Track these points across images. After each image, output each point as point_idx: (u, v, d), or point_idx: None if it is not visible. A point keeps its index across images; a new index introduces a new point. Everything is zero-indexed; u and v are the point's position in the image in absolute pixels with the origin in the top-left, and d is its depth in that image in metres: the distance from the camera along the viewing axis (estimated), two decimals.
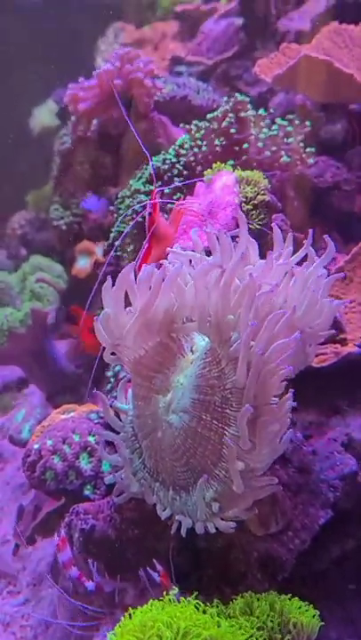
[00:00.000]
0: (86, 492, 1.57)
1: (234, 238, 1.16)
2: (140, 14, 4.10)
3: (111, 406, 1.30)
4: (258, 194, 1.49)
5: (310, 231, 1.18)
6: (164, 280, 1.12)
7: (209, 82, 3.00)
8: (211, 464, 1.10)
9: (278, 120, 1.86)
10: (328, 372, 1.50)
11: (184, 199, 1.57)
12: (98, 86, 2.16)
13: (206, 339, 1.19)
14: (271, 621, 1.02)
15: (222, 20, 3.62)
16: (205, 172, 1.66)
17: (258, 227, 1.45)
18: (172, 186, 1.78)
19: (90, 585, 1.32)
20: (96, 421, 1.73)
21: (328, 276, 1.18)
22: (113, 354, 1.22)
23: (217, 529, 1.11)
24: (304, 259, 1.19)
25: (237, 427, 1.04)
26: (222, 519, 1.09)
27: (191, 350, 1.21)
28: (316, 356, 1.51)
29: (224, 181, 1.56)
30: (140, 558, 1.26)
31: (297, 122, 1.83)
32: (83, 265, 2.95)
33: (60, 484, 1.60)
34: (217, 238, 1.07)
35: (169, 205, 1.75)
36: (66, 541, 1.31)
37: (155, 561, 1.19)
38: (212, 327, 1.07)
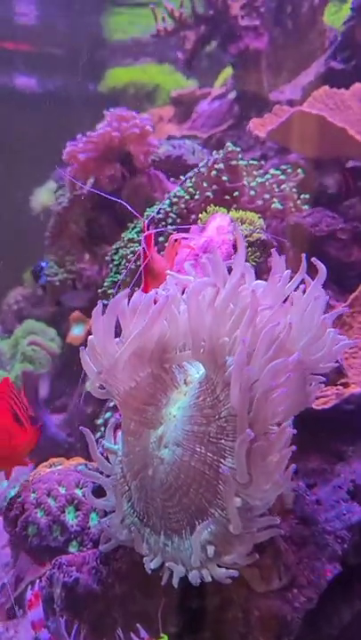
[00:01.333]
0: (72, 550, 1.44)
1: (229, 271, 1.12)
2: (139, 105, 4.29)
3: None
4: (253, 232, 1.47)
5: (303, 256, 1.14)
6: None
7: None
8: (205, 502, 1.00)
9: (271, 170, 1.87)
10: (330, 416, 1.42)
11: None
12: (95, 143, 2.19)
13: (201, 370, 1.12)
14: None
15: (216, 101, 3.78)
16: (200, 216, 1.65)
17: (253, 264, 1.41)
18: (166, 229, 1.76)
19: None
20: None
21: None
22: (101, 387, 1.15)
23: (213, 579, 0.99)
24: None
25: (234, 458, 0.95)
26: (219, 566, 0.97)
27: (185, 382, 1.14)
28: (317, 398, 1.44)
29: (218, 222, 1.54)
30: (127, 619, 1.13)
31: (289, 170, 1.84)
32: (77, 333, 2.94)
33: (42, 540, 1.48)
34: (209, 260, 1.02)
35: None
36: (39, 597, 1.18)
37: (139, 626, 1.06)
38: (205, 353, 1.01)
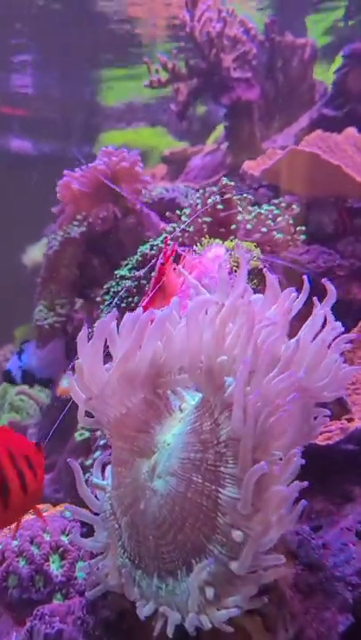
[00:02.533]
0: (55, 603, 1.32)
1: None
2: None
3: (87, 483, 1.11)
4: (250, 260, 1.42)
5: (305, 277, 1.08)
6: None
7: None
8: (203, 538, 0.90)
9: (265, 206, 1.85)
10: (335, 453, 1.33)
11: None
12: (88, 178, 2.18)
13: (197, 396, 1.04)
14: None
15: (208, 155, 3.84)
16: (195, 248, 1.61)
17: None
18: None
19: None
20: (71, 519, 1.51)
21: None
22: (89, 415, 1.06)
23: (213, 626, 0.88)
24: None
25: (235, 486, 0.86)
26: (219, 610, 0.87)
27: (180, 409, 1.05)
28: (321, 434, 1.35)
29: (214, 252, 1.49)
30: None
31: (283, 205, 1.82)
32: (67, 385, 2.86)
33: (24, 592, 1.35)
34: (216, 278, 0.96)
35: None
36: None
37: None
38: (203, 373, 0.93)
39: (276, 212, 1.78)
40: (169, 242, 1.32)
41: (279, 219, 1.71)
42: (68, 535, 1.45)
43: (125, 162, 2.14)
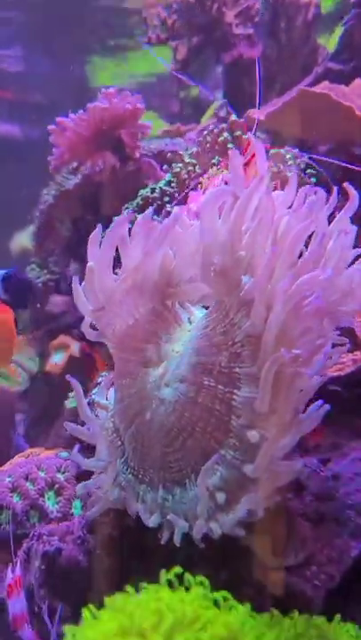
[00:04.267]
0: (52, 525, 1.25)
1: None
2: None
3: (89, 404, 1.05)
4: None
5: (335, 188, 1.02)
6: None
7: None
8: (215, 443, 0.84)
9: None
10: (345, 384, 1.28)
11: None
12: (86, 120, 2.09)
13: (206, 311, 0.98)
14: None
15: (204, 130, 3.75)
16: (201, 179, 1.54)
17: None
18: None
19: None
20: (67, 458, 1.45)
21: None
22: (94, 328, 1.00)
23: (222, 537, 0.83)
24: None
25: (251, 385, 0.80)
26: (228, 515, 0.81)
27: (189, 321, 0.99)
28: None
29: (222, 179, 1.43)
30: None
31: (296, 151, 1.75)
32: (57, 360, 2.79)
33: (18, 527, 1.29)
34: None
35: None
36: (20, 583, 0.99)
37: None
38: (217, 273, 0.87)
39: (288, 155, 1.71)
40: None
41: (290, 161, 1.65)
42: (64, 473, 1.40)
43: (128, 104, 2.06)
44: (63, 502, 1.33)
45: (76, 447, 1.00)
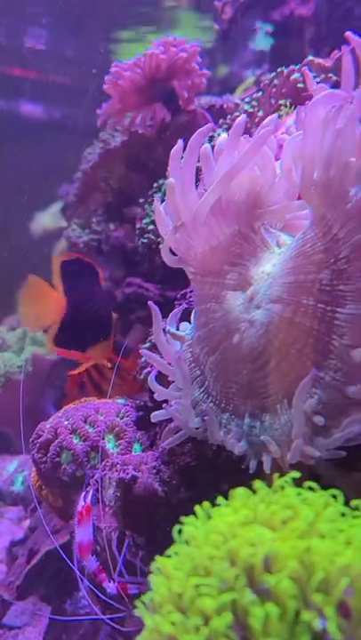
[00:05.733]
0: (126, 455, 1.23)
1: None
2: None
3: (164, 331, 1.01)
4: None
5: None
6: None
7: None
8: (312, 364, 0.80)
9: None
10: None
11: None
12: (141, 68, 2.03)
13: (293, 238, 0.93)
14: None
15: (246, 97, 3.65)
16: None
17: None
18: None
19: (110, 587, 0.96)
20: (125, 404, 1.42)
21: None
22: (173, 254, 0.96)
23: (308, 468, 0.79)
24: None
25: (357, 302, 0.75)
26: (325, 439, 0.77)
27: (278, 244, 0.94)
28: None
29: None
30: None
31: None
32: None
33: (78, 468, 1.26)
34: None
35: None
36: (90, 512, 0.97)
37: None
38: (320, 187, 0.81)
39: None
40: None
41: None
42: (122, 418, 1.36)
43: (184, 52, 1.99)
44: (124, 445, 1.30)
45: (153, 374, 0.97)
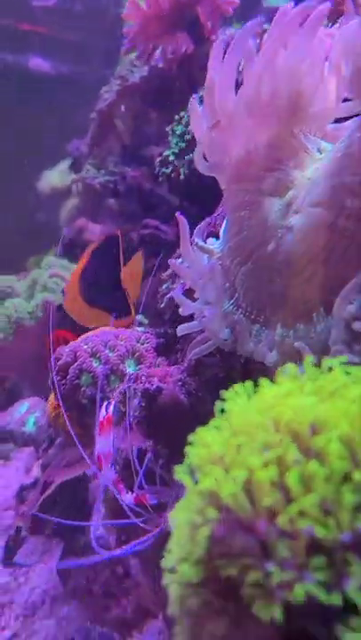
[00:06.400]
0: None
1: None
2: None
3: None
4: None
5: None
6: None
7: None
8: (353, 270, 0.76)
9: None
10: None
11: None
12: None
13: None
14: None
15: None
16: None
17: None
18: None
19: (127, 498, 0.95)
20: (145, 331, 1.40)
21: None
22: (206, 159, 0.92)
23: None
24: None
25: None
26: None
27: (319, 150, 0.90)
28: None
29: None
30: None
31: None
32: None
33: (98, 391, 1.25)
34: None
35: None
36: (110, 423, 0.95)
37: None
38: None
39: None
40: None
41: None
42: (143, 344, 1.34)
43: None
44: (144, 370, 1.28)
45: (179, 287, 0.94)
